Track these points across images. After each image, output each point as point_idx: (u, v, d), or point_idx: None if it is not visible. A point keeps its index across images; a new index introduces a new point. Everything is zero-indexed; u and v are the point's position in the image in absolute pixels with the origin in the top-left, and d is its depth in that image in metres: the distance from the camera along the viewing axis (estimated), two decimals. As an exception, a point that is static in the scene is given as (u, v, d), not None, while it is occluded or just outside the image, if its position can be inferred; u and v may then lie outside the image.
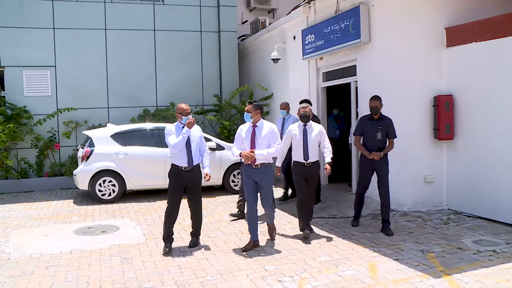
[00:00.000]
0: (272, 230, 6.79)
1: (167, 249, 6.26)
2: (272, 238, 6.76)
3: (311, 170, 6.79)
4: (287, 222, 7.84)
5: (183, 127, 6.34)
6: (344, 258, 5.85)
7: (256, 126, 6.37)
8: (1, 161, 12.03)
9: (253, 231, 6.39)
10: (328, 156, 6.63)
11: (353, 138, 7.91)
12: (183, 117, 6.34)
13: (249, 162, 6.24)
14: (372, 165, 7.14)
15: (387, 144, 7.18)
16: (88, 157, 9.97)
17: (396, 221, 7.63)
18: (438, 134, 8.17)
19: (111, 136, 10.16)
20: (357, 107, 9.42)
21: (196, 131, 6.52)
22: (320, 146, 6.79)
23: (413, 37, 8.24)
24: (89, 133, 10.49)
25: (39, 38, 12.81)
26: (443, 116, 8.09)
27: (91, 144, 10.10)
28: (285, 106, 9.22)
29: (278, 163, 6.91)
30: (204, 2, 14.28)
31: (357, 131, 7.39)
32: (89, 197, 10.38)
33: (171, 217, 6.40)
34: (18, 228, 7.99)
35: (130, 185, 10.11)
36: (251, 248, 6.30)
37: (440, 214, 8.05)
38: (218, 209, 8.97)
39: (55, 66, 13.00)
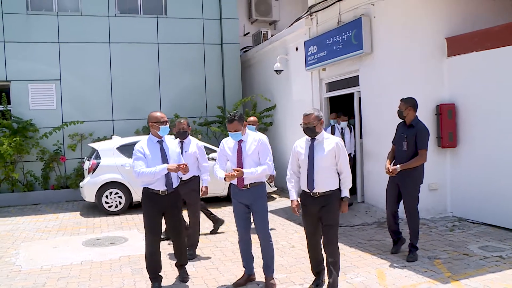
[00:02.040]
0: (269, 285, 5.20)
1: None
2: None
3: (319, 204, 4.78)
4: (294, 231, 7.91)
5: (160, 142, 5.28)
6: (352, 265, 5.93)
7: (242, 140, 5.24)
8: (7, 174, 12.15)
9: (247, 263, 5.42)
10: (344, 188, 4.80)
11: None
12: (161, 126, 5.18)
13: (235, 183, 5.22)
14: (394, 180, 6.24)
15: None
16: (94, 169, 10.07)
17: (401, 228, 7.69)
18: (441, 142, 8.27)
19: (117, 148, 10.27)
20: (360, 117, 9.53)
21: (173, 146, 5.40)
22: (338, 169, 4.83)
23: (415, 47, 8.36)
24: (95, 145, 10.61)
25: (44, 52, 12.98)
26: (446, 125, 8.20)
27: (98, 157, 10.21)
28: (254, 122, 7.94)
29: (293, 196, 5.02)
30: (206, 15, 14.47)
31: (394, 138, 6.49)
32: (96, 209, 10.47)
33: (154, 255, 5.27)
34: (27, 240, 8.07)
35: (137, 197, 10.19)
36: (245, 283, 5.36)
37: (445, 221, 8.12)
38: (224, 220, 9.04)
39: (60, 80, 13.16)
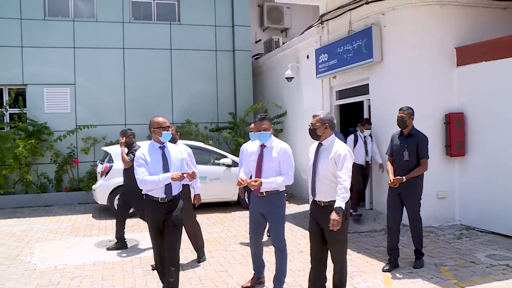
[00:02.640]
0: None
1: None
2: None
3: (324, 213, 4.50)
4: (302, 237, 8.01)
5: (162, 147, 5.13)
6: (359, 271, 6.03)
7: (265, 146, 5.21)
8: (22, 176, 12.40)
9: (257, 267, 5.47)
10: (338, 198, 4.33)
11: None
12: (163, 132, 5.06)
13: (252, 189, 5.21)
14: (396, 191, 6.14)
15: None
16: (107, 173, 10.25)
17: (409, 235, 7.77)
18: (450, 151, 8.34)
19: (130, 152, 10.44)
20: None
21: (176, 153, 5.22)
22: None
23: (424, 56, 8.46)
24: (108, 149, 10.80)
25: (60, 57, 13.23)
26: (454, 133, 8.27)
27: (110, 160, 10.39)
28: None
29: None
30: (219, 22, 14.66)
31: (388, 150, 6.45)
32: (107, 212, 10.64)
33: (162, 258, 5.11)
34: (41, 240, 8.26)
35: (148, 200, 10.35)
36: (254, 285, 5.43)
37: (453, 229, 8.18)
38: (234, 224, 9.17)
39: (74, 84, 13.40)
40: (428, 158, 6.14)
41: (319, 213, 4.56)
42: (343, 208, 4.30)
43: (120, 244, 7.60)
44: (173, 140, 6.74)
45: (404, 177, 5.94)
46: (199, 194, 6.35)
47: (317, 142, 4.67)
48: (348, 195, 4.36)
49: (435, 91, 8.46)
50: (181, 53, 14.29)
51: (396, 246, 6.21)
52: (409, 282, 5.54)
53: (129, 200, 7.77)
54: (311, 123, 4.60)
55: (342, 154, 4.42)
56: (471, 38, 8.44)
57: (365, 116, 9.83)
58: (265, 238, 7.08)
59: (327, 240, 4.55)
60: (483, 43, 8.12)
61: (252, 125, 6.92)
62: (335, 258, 4.59)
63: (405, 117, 6.13)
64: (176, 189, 5.09)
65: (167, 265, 4.99)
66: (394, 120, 8.51)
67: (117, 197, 10.07)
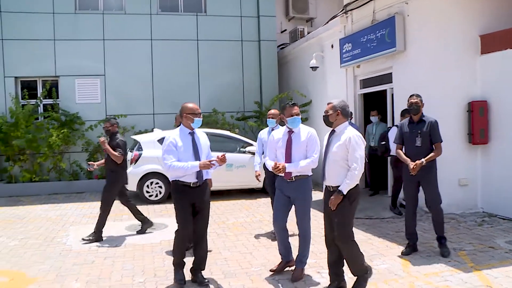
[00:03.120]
0: (297, 275, 5.31)
1: (181, 280, 5.18)
2: (293, 279, 5.27)
3: (331, 199, 4.63)
4: (325, 222, 8.22)
5: (192, 133, 5.18)
6: (378, 253, 6.22)
7: (293, 132, 5.31)
8: (55, 164, 12.91)
9: (284, 250, 5.52)
10: (343, 182, 4.53)
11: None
12: (195, 118, 5.12)
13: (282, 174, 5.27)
14: (414, 178, 6.12)
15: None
16: (136, 160, 10.63)
17: (430, 222, 7.90)
18: (472, 139, 8.40)
19: (158, 140, 10.74)
20: (393, 113, 9.72)
21: (204, 139, 5.29)
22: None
23: (448, 44, 8.51)
24: (137, 137, 11.17)
25: (90, 49, 13.68)
26: (477, 121, 8.32)
27: (140, 148, 10.77)
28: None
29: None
30: (244, 13, 14.88)
31: (397, 139, 6.40)
32: (137, 198, 10.98)
33: (183, 242, 5.24)
34: (74, 224, 8.67)
35: (176, 187, 10.70)
36: (282, 269, 5.50)
37: (475, 216, 8.25)
38: (260, 210, 9.43)
39: (104, 75, 13.83)
40: (442, 141, 6.11)
41: (328, 197, 4.69)
42: (343, 192, 4.50)
43: (147, 225, 7.89)
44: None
45: (423, 160, 5.90)
46: (210, 179, 5.80)
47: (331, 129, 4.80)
48: (353, 183, 4.50)
49: (458, 80, 8.50)
50: (207, 44, 14.57)
51: (414, 231, 6.30)
52: (427, 264, 5.69)
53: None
54: (325, 110, 4.76)
55: (352, 140, 4.51)
56: (495, 26, 8.44)
57: (388, 105, 9.93)
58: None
59: (335, 222, 4.67)
60: (509, 30, 8.09)
61: (271, 112, 7.09)
62: (338, 241, 4.67)
63: (419, 103, 6.16)
64: (206, 174, 5.21)
65: (198, 245, 5.25)
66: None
67: (145, 183, 10.50)
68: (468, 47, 8.52)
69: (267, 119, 7.17)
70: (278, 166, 5.07)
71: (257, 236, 7.39)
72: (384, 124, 10.22)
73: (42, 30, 13.34)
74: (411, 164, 5.94)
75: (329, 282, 4.93)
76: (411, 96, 6.27)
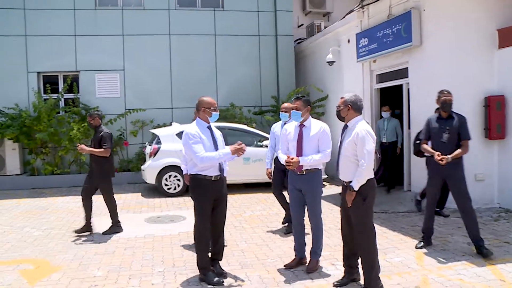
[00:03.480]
0: (312, 266, 5.43)
1: (218, 280, 5.10)
2: (308, 270, 5.39)
3: (346, 192, 4.72)
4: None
5: (209, 127, 5.21)
6: (393, 247, 6.31)
7: (304, 126, 5.40)
8: (76, 157, 13.19)
9: (299, 246, 5.61)
10: (354, 178, 4.56)
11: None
12: (213, 112, 5.17)
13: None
14: (440, 172, 6.08)
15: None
16: (155, 154, 10.85)
17: (443, 218, 7.98)
18: (489, 134, 8.41)
19: (176, 134, 10.94)
20: (409, 107, 9.76)
21: (218, 133, 5.35)
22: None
23: (464, 39, 8.51)
24: (156, 131, 11.38)
25: (110, 44, 13.92)
26: (494, 116, 8.32)
27: (158, 142, 10.98)
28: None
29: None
30: (261, 8, 14.97)
31: (423, 134, 6.35)
32: (155, 191, 11.25)
33: (206, 242, 5.22)
34: (95, 216, 8.81)
35: (194, 180, 10.88)
36: (296, 265, 5.55)
37: (491, 211, 8.27)
38: (276, 203, 9.41)
39: (123, 70, 14.06)
40: (470, 139, 6.08)
41: (344, 192, 4.75)
42: (354, 188, 4.52)
43: (117, 227, 7.60)
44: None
45: (449, 156, 5.80)
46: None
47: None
48: (362, 178, 4.50)
49: (475, 74, 8.50)
50: (225, 39, 14.70)
51: (431, 225, 6.35)
52: (441, 259, 5.77)
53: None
54: (337, 105, 4.84)
55: (360, 135, 4.53)
56: (513, 20, 8.42)
57: (404, 99, 9.95)
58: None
59: (351, 223, 4.73)
60: (526, 24, 8.09)
61: (284, 105, 7.06)
62: (355, 236, 4.73)
63: (452, 99, 6.07)
64: (225, 168, 5.27)
65: (217, 237, 5.32)
66: (432, 103, 8.62)
67: (164, 176, 10.67)
68: (485, 41, 8.51)
69: (280, 113, 7.12)
70: (292, 160, 5.14)
71: (273, 229, 7.53)
72: (395, 120, 10.21)
73: (63, 26, 13.61)
74: (438, 155, 5.81)
75: (343, 274, 5.05)
76: (442, 92, 6.17)
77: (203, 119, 5.21)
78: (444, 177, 6.09)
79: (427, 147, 6.19)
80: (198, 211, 5.16)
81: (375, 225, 5.94)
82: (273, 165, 7.40)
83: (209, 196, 5.11)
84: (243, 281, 5.20)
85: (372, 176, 4.63)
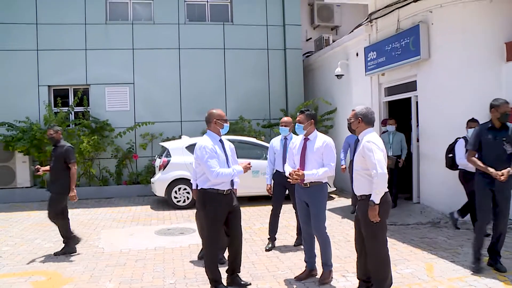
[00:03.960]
0: (325, 278, 5.44)
1: None
2: (321, 282, 5.41)
3: (359, 206, 4.76)
4: (350, 227, 8.31)
5: (221, 140, 5.25)
6: (403, 259, 6.30)
7: (308, 139, 5.46)
8: (86, 170, 13.29)
9: (309, 258, 5.64)
10: (373, 192, 4.47)
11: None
12: (224, 124, 5.23)
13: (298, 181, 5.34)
14: (491, 187, 5.67)
15: None
16: (165, 167, 10.91)
17: (454, 229, 7.96)
18: (498, 146, 8.38)
19: (186, 147, 11.01)
20: (417, 121, 9.79)
21: (228, 145, 5.41)
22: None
23: (472, 52, 8.55)
24: (166, 144, 11.46)
25: (120, 58, 14.08)
26: (503, 129, 8.30)
27: (168, 155, 11.04)
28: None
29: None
30: (270, 22, 15.11)
31: (472, 145, 5.84)
32: (165, 204, 11.30)
33: (216, 255, 5.25)
34: (105, 228, 8.95)
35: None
36: (306, 277, 5.58)
37: (502, 223, 8.23)
38: (285, 216, 9.51)
39: (133, 83, 14.21)
40: None
41: (359, 206, 4.73)
42: (374, 201, 4.42)
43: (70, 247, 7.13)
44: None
45: (510, 169, 5.46)
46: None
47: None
48: (380, 189, 4.39)
49: (483, 87, 8.49)
50: (234, 52, 14.83)
51: (483, 245, 5.82)
52: (451, 269, 5.76)
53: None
54: (348, 118, 4.84)
55: (365, 147, 4.52)
56: (521, 33, 8.45)
57: (413, 112, 9.99)
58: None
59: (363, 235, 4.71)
60: (534, 38, 8.11)
61: (284, 119, 7.03)
62: (367, 249, 4.70)
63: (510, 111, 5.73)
64: (235, 181, 5.27)
65: (236, 251, 5.30)
66: (441, 115, 8.71)
67: (173, 189, 10.70)
68: (493, 54, 8.53)
69: (280, 127, 7.05)
70: (298, 173, 5.19)
71: (283, 241, 7.54)
72: (401, 134, 10.13)
73: (74, 40, 13.80)
74: (496, 172, 5.47)
75: (357, 286, 5.06)
76: (497, 100, 5.73)
77: (214, 131, 5.22)
78: (494, 189, 5.68)
79: (478, 161, 5.74)
80: (210, 225, 5.12)
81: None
82: (273, 181, 7.34)
83: (222, 210, 5.12)
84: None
85: (386, 189, 4.57)
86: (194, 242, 7.57)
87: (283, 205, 7.35)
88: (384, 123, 10.20)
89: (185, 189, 10.90)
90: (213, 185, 5.07)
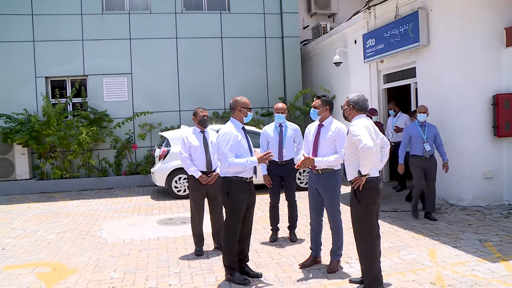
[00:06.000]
0: (333, 267, 5.42)
1: (245, 279, 5.13)
2: (329, 271, 5.39)
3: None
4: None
5: (243, 128, 5.19)
6: (405, 245, 6.34)
7: (323, 125, 5.37)
8: (85, 161, 13.29)
9: (314, 246, 5.65)
10: (360, 165, 4.47)
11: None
12: (249, 112, 5.18)
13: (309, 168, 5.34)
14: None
15: None
16: (165, 156, 10.89)
17: (455, 214, 8.01)
18: (498, 132, 8.42)
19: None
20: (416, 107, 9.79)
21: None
22: None
23: (472, 38, 8.53)
24: (165, 134, 11.44)
25: (117, 48, 14.02)
26: (502, 114, 8.34)
27: (168, 145, 11.03)
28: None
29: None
30: (267, 10, 15.05)
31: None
32: (165, 193, 11.31)
33: (235, 242, 5.16)
34: (107, 219, 8.96)
35: (203, 182, 10.93)
36: (310, 264, 5.61)
37: (501, 208, 8.29)
38: (285, 204, 9.59)
39: (131, 73, 14.15)
40: None
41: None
42: (362, 172, 4.45)
43: None
44: (206, 123, 6.72)
45: None
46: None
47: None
48: (366, 160, 4.34)
49: (483, 73, 8.51)
50: (231, 41, 14.78)
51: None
52: (453, 255, 5.80)
53: None
54: (341, 105, 4.92)
55: (350, 130, 4.55)
56: (521, 18, 8.44)
57: (412, 99, 9.99)
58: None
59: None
60: (533, 23, 8.10)
61: (279, 106, 6.85)
62: (354, 237, 4.76)
63: None
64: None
65: (246, 239, 5.31)
66: (440, 102, 8.72)
67: (173, 179, 10.71)
68: (493, 40, 8.53)
69: (275, 114, 6.83)
70: (306, 159, 5.08)
71: (285, 229, 7.55)
72: (433, 126, 9.93)
73: (70, 31, 13.72)
74: None
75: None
76: None
77: (238, 119, 5.15)
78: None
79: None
80: (232, 212, 5.07)
81: (385, 223, 6.03)
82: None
83: (247, 196, 5.12)
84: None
85: (374, 175, 4.56)
86: (196, 231, 7.58)
87: (283, 193, 7.26)
88: (371, 112, 9.81)
89: (185, 178, 10.89)
90: (236, 173, 5.03)
